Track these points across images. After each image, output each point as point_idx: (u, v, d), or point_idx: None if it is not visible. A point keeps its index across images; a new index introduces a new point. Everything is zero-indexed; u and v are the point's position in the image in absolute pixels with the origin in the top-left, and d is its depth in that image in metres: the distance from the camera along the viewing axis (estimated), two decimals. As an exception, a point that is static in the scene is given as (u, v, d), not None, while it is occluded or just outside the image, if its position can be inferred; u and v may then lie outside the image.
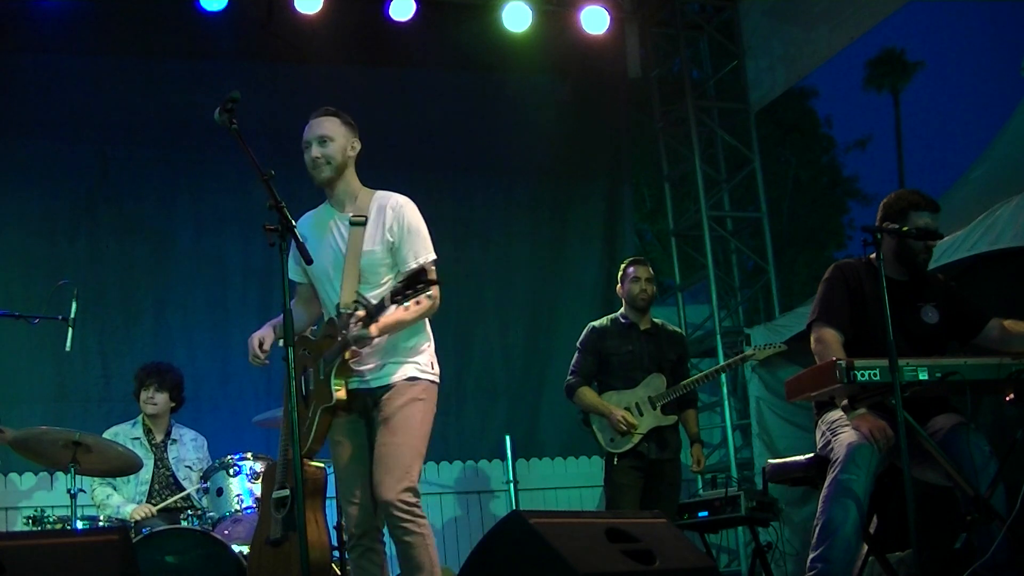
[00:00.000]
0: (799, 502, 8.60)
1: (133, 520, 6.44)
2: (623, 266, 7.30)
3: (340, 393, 4.78)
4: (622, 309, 7.25)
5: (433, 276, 4.63)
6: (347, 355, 4.76)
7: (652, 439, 6.94)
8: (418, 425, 4.77)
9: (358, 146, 5.00)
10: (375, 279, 4.82)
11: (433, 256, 4.85)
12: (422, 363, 4.87)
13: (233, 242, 8.90)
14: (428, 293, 4.59)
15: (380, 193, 4.99)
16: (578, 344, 7.25)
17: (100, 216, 8.83)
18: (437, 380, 4.90)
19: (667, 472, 7.02)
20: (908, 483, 4.56)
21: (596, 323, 7.29)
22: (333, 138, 4.92)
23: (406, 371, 4.81)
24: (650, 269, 7.27)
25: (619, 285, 7.28)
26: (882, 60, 29.97)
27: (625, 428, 6.88)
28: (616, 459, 6.96)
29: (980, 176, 8.41)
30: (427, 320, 4.91)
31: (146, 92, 9.08)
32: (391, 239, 4.82)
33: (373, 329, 4.60)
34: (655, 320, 7.30)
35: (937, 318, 5.22)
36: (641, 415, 6.94)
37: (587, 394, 7.10)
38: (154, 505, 6.64)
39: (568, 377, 7.21)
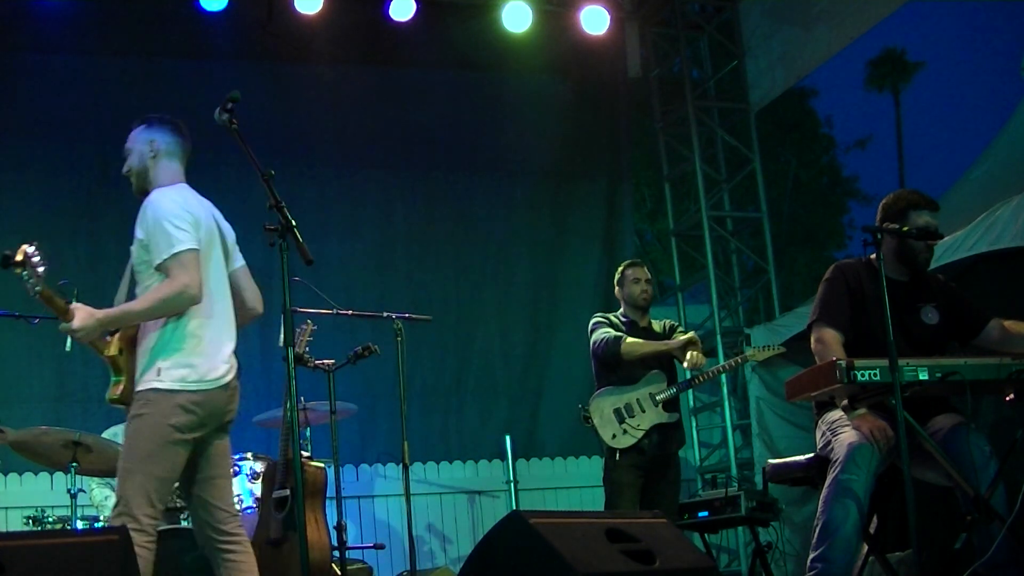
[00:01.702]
0: (799, 502, 8.60)
1: None
2: (621, 269, 7.29)
3: (112, 391, 4.64)
4: (620, 310, 7.25)
5: (173, 269, 4.45)
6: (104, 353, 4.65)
7: (654, 436, 6.91)
8: (132, 443, 4.45)
9: (158, 143, 4.87)
10: (140, 278, 4.64)
11: (172, 251, 4.46)
12: (159, 372, 4.49)
13: (233, 242, 8.87)
14: (174, 283, 4.42)
15: None
16: (594, 323, 7.16)
17: (100, 216, 8.81)
18: (169, 387, 4.44)
19: (668, 469, 6.99)
20: (908, 483, 4.56)
21: (602, 314, 7.30)
22: (130, 149, 4.89)
23: (143, 383, 4.52)
24: (647, 270, 7.30)
25: (617, 288, 7.27)
26: (883, 60, 29.95)
27: (686, 348, 6.86)
28: (618, 455, 6.95)
29: (980, 176, 8.40)
30: (191, 318, 4.53)
31: (146, 92, 9.06)
32: (141, 236, 4.61)
33: (75, 323, 4.45)
34: (652, 320, 7.31)
35: (937, 318, 5.22)
36: (643, 412, 6.92)
37: (635, 341, 7.00)
38: None
39: (601, 338, 7.02)
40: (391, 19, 9.33)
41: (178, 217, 4.54)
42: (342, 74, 9.61)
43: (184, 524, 6.36)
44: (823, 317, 5.16)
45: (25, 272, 4.38)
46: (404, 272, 9.59)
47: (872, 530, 5.22)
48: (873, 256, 5.04)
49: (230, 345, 4.67)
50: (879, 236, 4.92)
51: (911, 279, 5.26)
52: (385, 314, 6.82)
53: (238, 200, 8.80)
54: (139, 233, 4.60)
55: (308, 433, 6.99)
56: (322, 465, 6.44)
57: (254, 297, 4.92)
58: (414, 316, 7.00)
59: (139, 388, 4.51)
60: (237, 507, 6.31)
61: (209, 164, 9.00)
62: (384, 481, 8.99)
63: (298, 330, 6.22)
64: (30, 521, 6.12)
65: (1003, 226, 6.70)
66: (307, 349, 6.35)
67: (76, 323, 4.47)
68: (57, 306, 4.50)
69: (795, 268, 22.94)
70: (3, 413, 6.64)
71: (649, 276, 7.25)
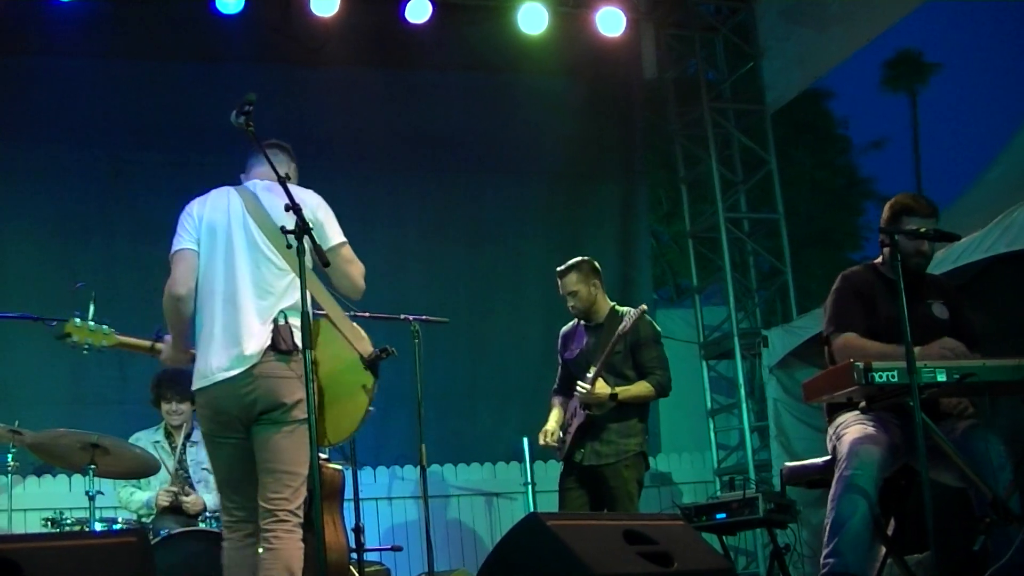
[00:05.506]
0: (816, 504, 8.56)
1: (159, 506, 6.41)
2: None
3: None
4: None
5: None
6: None
7: (584, 444, 6.61)
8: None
9: None
10: None
11: (170, 254, 4.84)
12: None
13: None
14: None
15: None
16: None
17: (113, 219, 8.86)
18: (194, 389, 4.69)
19: (607, 479, 6.58)
20: (926, 485, 4.55)
21: (564, 328, 7.13)
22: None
23: None
24: (569, 278, 6.90)
25: None
26: (899, 61, 29.81)
27: (547, 443, 6.72)
28: (566, 466, 6.77)
29: (997, 177, 8.38)
30: (198, 317, 4.79)
31: (160, 95, 9.11)
32: None
33: None
34: (618, 309, 6.86)
35: (947, 314, 5.24)
36: (573, 418, 6.69)
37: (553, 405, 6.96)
38: (176, 493, 6.57)
39: None
40: (407, 21, 9.33)
41: (182, 221, 4.87)
42: (357, 76, 9.62)
43: (202, 526, 6.37)
44: (840, 326, 5.19)
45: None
46: (417, 274, 9.59)
47: (890, 532, 5.22)
48: (878, 260, 5.09)
49: (245, 334, 4.57)
50: (895, 238, 4.91)
51: (914, 279, 5.26)
52: (402, 316, 6.76)
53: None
54: None
55: (325, 435, 6.98)
56: (339, 467, 6.44)
57: (342, 276, 5.00)
58: (432, 318, 6.96)
59: None
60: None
61: (225, 167, 9.04)
62: (401, 483, 8.99)
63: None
64: (48, 523, 6.14)
65: (1020, 227, 6.67)
66: (324, 351, 6.33)
67: None
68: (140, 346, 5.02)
69: (811, 269, 22.86)
70: (21, 415, 6.65)
71: (573, 289, 6.85)
